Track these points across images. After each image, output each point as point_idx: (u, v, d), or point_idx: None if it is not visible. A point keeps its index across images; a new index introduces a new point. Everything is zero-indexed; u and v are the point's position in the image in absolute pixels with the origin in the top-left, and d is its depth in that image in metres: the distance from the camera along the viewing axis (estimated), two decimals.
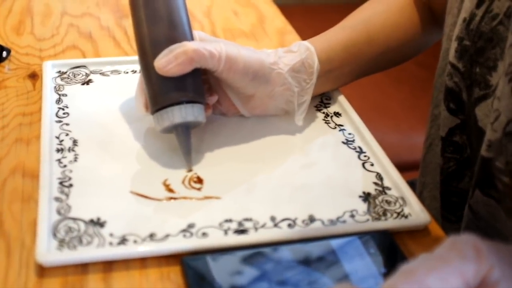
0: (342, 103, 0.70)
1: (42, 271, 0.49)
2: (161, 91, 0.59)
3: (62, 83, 0.71)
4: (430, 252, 0.37)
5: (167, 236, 0.52)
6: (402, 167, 0.68)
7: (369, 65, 0.71)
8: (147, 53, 0.60)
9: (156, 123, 0.60)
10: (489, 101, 0.57)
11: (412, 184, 0.76)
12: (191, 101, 0.59)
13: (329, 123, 0.68)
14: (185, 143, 0.60)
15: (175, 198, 0.56)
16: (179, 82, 0.59)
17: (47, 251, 0.50)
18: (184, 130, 0.60)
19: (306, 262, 0.50)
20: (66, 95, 0.69)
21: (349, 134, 0.66)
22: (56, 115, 0.66)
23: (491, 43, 0.57)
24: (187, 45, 0.58)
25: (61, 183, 0.57)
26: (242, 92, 0.63)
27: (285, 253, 0.51)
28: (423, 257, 0.37)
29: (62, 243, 0.51)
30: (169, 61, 0.58)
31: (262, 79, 0.62)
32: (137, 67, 0.74)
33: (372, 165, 0.62)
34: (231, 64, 0.60)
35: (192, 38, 0.61)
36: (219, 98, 0.64)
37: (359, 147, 0.64)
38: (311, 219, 0.55)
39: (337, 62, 0.67)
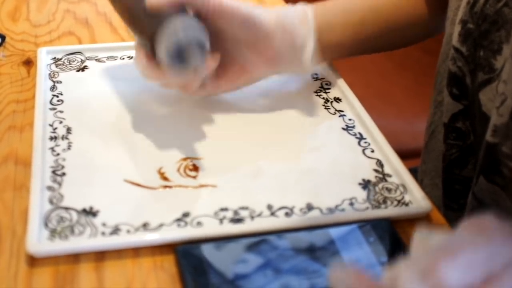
0: (342, 88, 0.68)
1: (33, 261, 0.48)
2: (155, 19, 0.57)
3: (57, 69, 0.70)
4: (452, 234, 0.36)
5: (161, 225, 0.51)
6: (405, 154, 0.67)
7: (370, 39, 0.70)
8: None
9: (159, 49, 0.57)
10: (494, 85, 0.56)
11: (414, 172, 0.75)
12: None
13: (329, 108, 0.66)
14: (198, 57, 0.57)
15: (170, 187, 0.55)
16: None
17: (38, 241, 0.49)
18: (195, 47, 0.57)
19: (304, 251, 0.49)
20: (60, 82, 0.68)
21: (349, 120, 0.64)
22: (50, 102, 0.64)
23: (496, 25, 0.56)
24: None
25: (53, 171, 0.56)
26: (232, 39, 0.62)
27: (283, 242, 0.50)
28: (455, 236, 0.35)
29: (53, 233, 0.49)
30: None
31: (251, 22, 0.61)
32: (134, 53, 0.73)
33: (372, 151, 0.60)
34: (220, 3, 0.59)
35: None
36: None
37: (359, 133, 0.63)
38: (309, 207, 0.53)
39: (337, 27, 0.67)
